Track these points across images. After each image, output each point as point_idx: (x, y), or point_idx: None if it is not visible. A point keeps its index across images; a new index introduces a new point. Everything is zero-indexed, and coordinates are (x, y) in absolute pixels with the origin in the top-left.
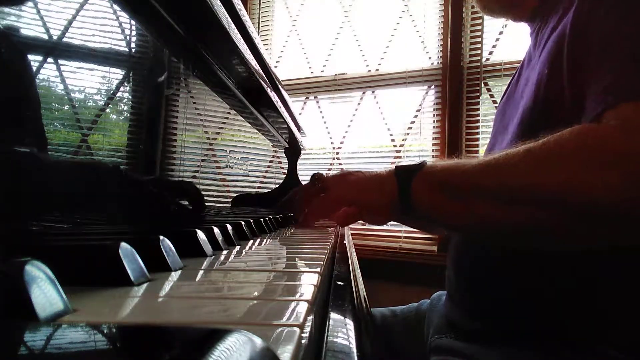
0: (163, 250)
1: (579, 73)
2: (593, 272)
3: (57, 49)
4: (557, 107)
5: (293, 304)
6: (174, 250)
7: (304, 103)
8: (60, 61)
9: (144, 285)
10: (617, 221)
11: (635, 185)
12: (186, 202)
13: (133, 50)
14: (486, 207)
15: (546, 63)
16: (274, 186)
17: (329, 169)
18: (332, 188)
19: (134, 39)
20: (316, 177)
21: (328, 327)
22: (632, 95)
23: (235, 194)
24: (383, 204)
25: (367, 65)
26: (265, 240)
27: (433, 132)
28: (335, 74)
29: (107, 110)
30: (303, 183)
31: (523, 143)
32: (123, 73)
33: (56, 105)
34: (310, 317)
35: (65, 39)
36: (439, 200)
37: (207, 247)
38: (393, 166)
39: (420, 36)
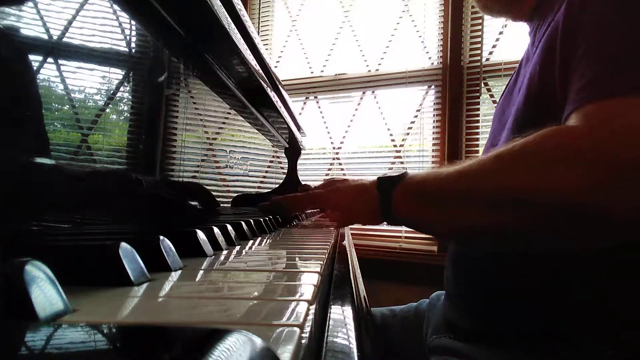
0: (163, 250)
1: (567, 72)
2: (591, 273)
3: (57, 49)
4: (548, 105)
5: (293, 304)
6: (174, 250)
7: (304, 103)
8: (60, 61)
9: (144, 285)
10: (585, 221)
11: (593, 185)
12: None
13: (133, 50)
14: (463, 212)
15: (538, 61)
16: (274, 186)
17: (329, 169)
18: (318, 193)
19: (134, 39)
20: (304, 188)
21: (328, 327)
22: (600, 94)
23: (235, 194)
24: (366, 211)
25: (367, 65)
26: (265, 240)
27: (433, 132)
28: (335, 74)
29: (107, 110)
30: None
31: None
32: (123, 73)
33: (56, 105)
34: (310, 317)
35: (65, 39)
36: (418, 210)
37: (207, 247)
38: (376, 177)
39: (420, 36)
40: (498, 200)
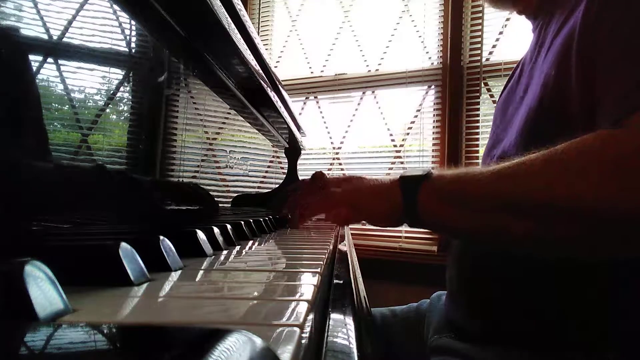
0: (163, 250)
1: (590, 75)
2: (594, 275)
3: (57, 49)
4: (564, 109)
5: (293, 304)
6: (174, 250)
7: (304, 103)
8: (60, 61)
9: (144, 285)
10: None
11: None
12: (195, 203)
13: (133, 50)
14: (504, 218)
15: (553, 64)
16: (274, 186)
17: (329, 169)
18: (334, 192)
19: (134, 39)
20: (317, 176)
21: (328, 327)
22: None
23: (235, 194)
24: (387, 213)
25: (367, 65)
26: (265, 240)
27: (433, 132)
28: (335, 74)
29: (107, 110)
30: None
31: (535, 147)
32: (123, 73)
33: (56, 105)
34: (310, 317)
35: (65, 39)
36: (449, 213)
37: (207, 247)
38: (398, 174)
39: (420, 36)
40: (550, 209)
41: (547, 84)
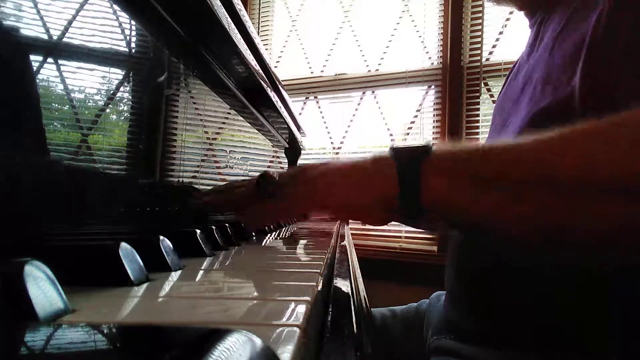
0: (163, 250)
1: (605, 76)
2: (594, 276)
3: (57, 49)
4: (568, 109)
5: (293, 304)
6: (174, 250)
7: (304, 103)
8: (60, 61)
9: (144, 285)
10: None
11: None
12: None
13: (133, 50)
14: (542, 196)
15: (561, 65)
16: None
17: None
18: (290, 193)
19: (134, 39)
20: (265, 180)
21: (328, 327)
22: None
23: None
24: (371, 203)
25: (367, 65)
26: (265, 240)
27: (433, 132)
28: (335, 74)
29: (107, 110)
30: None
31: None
32: (123, 73)
33: (56, 105)
34: (310, 317)
35: (65, 39)
36: (464, 196)
37: (207, 247)
38: (379, 151)
39: (420, 36)
40: (608, 182)
41: (548, 83)
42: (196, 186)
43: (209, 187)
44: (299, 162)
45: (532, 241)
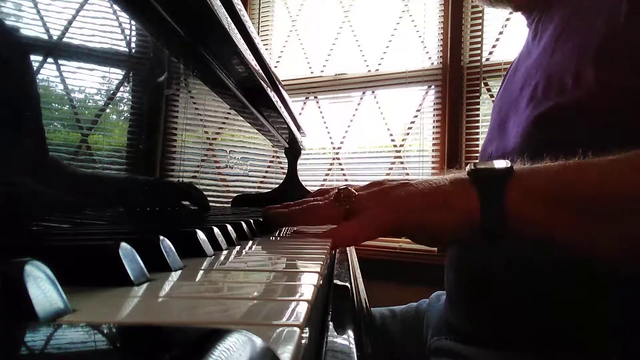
0: (163, 250)
1: (617, 75)
2: (594, 277)
3: (57, 49)
4: (577, 112)
5: (293, 304)
6: (174, 250)
7: (304, 103)
8: (60, 61)
9: (144, 285)
10: None
11: None
12: (188, 203)
13: (133, 50)
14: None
15: (564, 67)
16: (274, 186)
17: (329, 169)
18: (368, 210)
19: (134, 39)
20: (343, 195)
21: (328, 327)
22: None
23: (235, 194)
24: (451, 227)
25: (367, 65)
26: (265, 240)
27: (433, 132)
28: (335, 74)
29: (107, 110)
30: (311, 189)
31: (542, 142)
32: (123, 73)
33: (56, 105)
34: (311, 317)
35: (65, 39)
36: (553, 218)
37: (207, 247)
38: (458, 172)
39: (420, 36)
40: None
41: (550, 84)
42: (196, 186)
43: (209, 187)
44: (299, 162)
45: (621, 262)
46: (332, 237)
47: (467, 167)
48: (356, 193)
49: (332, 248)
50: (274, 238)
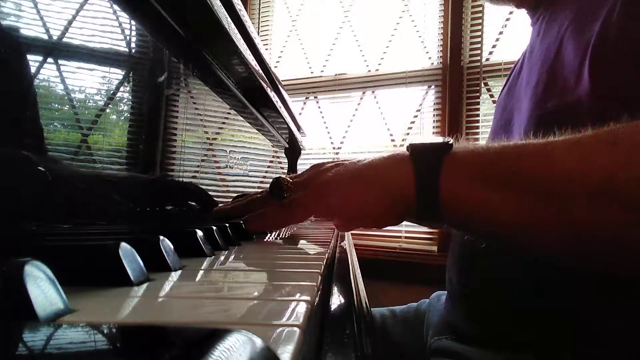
0: (163, 250)
1: (619, 73)
2: (593, 278)
3: (57, 49)
4: (577, 112)
5: (293, 304)
6: (174, 250)
7: (304, 103)
8: (60, 61)
9: (144, 285)
10: None
11: None
12: (192, 203)
13: (133, 50)
14: (570, 204)
15: (568, 67)
16: None
17: None
18: (298, 196)
19: (134, 39)
20: (281, 186)
21: (328, 327)
22: None
23: (235, 194)
24: (384, 205)
25: (367, 66)
26: (265, 240)
27: (433, 132)
28: (335, 74)
29: (107, 110)
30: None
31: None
32: (123, 73)
33: (56, 105)
34: (310, 317)
35: (65, 39)
36: (489, 198)
37: (207, 247)
38: (394, 150)
39: (420, 36)
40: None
41: (554, 83)
42: (197, 184)
43: (209, 187)
44: (299, 162)
45: (555, 251)
46: (259, 221)
47: (408, 143)
48: (289, 180)
49: (256, 228)
50: (274, 238)
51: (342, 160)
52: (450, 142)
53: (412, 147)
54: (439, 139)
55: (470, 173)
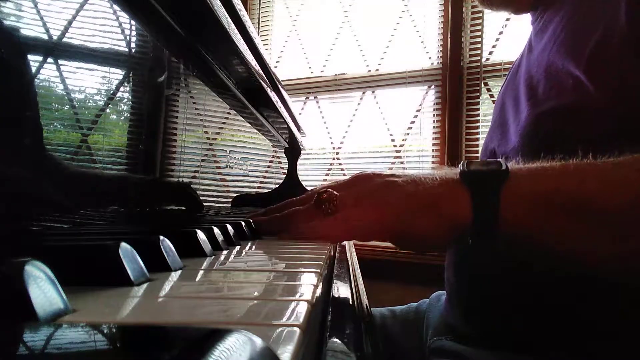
0: (163, 250)
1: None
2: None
3: (57, 49)
4: (580, 112)
5: (293, 304)
6: (174, 250)
7: (304, 103)
8: (60, 61)
9: (144, 285)
10: None
11: None
12: (185, 204)
13: (133, 50)
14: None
15: (566, 67)
16: (274, 186)
17: (329, 169)
18: (349, 210)
19: (134, 39)
20: (323, 197)
21: (328, 327)
22: None
23: (235, 194)
24: (438, 233)
25: (367, 65)
26: (265, 240)
27: (433, 132)
28: (335, 74)
29: (107, 110)
30: (299, 194)
31: (545, 139)
32: (123, 73)
33: (56, 105)
34: (310, 317)
35: (65, 39)
36: (554, 224)
37: (207, 247)
38: (445, 170)
39: (420, 36)
40: None
41: (552, 83)
42: (196, 186)
43: (209, 187)
44: (299, 162)
45: (611, 269)
46: (307, 235)
47: (460, 166)
48: (337, 194)
49: (303, 238)
50: (273, 238)
51: (390, 176)
52: (507, 168)
53: (468, 176)
54: (496, 164)
55: (530, 201)
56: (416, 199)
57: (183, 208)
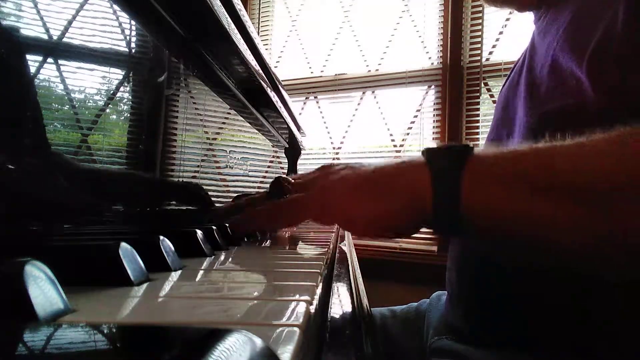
0: (163, 250)
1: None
2: (594, 279)
3: (57, 49)
4: (582, 112)
5: (293, 304)
6: (174, 250)
7: (304, 103)
8: (60, 61)
9: (144, 285)
10: None
11: None
12: (192, 203)
13: (133, 50)
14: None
15: (569, 67)
16: None
17: None
18: (306, 200)
19: (134, 39)
20: (281, 185)
21: (328, 327)
22: None
23: (235, 194)
24: (394, 214)
25: (367, 66)
26: (265, 240)
27: (433, 132)
28: (335, 74)
29: (107, 110)
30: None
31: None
32: (123, 73)
33: (56, 105)
34: (310, 317)
35: (65, 39)
36: (520, 201)
37: (207, 247)
38: (407, 155)
39: (420, 36)
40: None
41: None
42: (196, 183)
43: (209, 187)
44: (299, 162)
45: (583, 253)
46: (251, 219)
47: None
48: (291, 181)
49: (251, 229)
50: (273, 238)
51: (353, 164)
52: (470, 145)
53: (429, 152)
54: (452, 144)
55: (496, 174)
56: (370, 182)
57: (183, 208)
